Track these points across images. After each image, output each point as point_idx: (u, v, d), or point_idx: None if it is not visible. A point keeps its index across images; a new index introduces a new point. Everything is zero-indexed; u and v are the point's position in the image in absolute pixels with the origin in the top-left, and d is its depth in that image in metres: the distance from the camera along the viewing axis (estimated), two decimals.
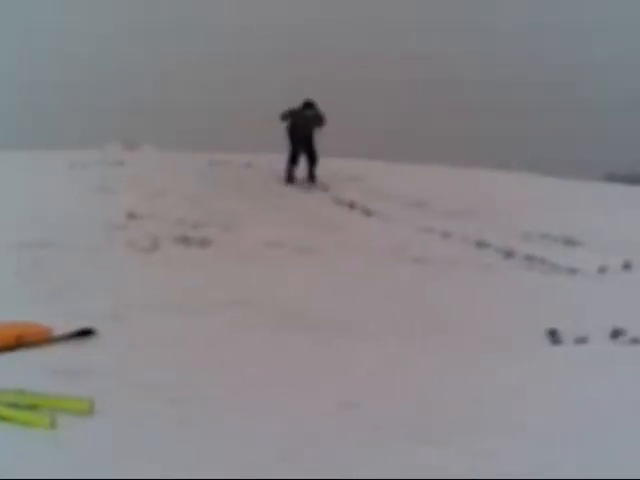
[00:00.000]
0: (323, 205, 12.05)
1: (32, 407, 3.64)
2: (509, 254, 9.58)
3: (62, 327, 5.03)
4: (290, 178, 13.61)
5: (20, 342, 4.78)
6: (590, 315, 6.51)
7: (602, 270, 8.83)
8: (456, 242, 10.22)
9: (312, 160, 13.78)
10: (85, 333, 5.10)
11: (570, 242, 10.43)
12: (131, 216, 9.08)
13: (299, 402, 4.06)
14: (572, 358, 5.29)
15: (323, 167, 13.50)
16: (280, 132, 13.53)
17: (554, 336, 5.86)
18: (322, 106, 13.69)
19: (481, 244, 10.05)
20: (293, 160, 13.77)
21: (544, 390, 4.46)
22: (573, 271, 8.85)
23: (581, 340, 5.77)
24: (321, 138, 13.62)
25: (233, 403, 4.01)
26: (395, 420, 3.85)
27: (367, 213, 11.82)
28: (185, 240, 8.36)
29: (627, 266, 8.88)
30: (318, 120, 13.88)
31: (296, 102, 13.60)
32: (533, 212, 11.82)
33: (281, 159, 13.51)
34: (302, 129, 13.81)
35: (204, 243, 8.39)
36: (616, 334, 5.83)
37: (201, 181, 11.94)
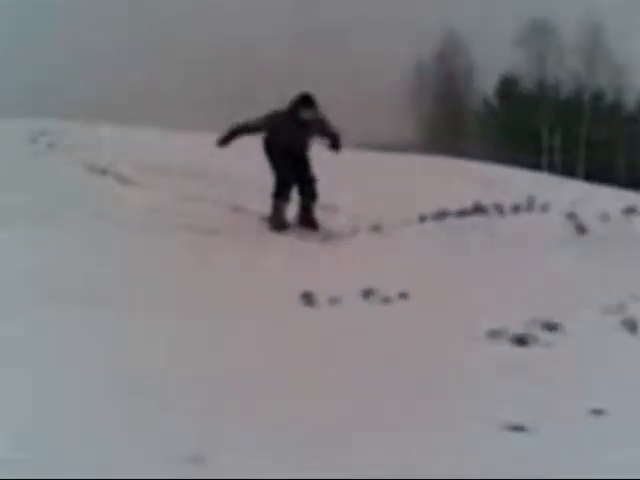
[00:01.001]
0: (75, 171, 11.52)
1: None
2: (263, 219, 9.66)
3: None
4: (278, 222, 8.90)
5: None
6: (342, 276, 6.72)
7: (353, 232, 9.12)
8: (212, 207, 10.13)
9: (310, 192, 9.07)
10: None
11: (323, 208, 10.72)
12: None
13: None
14: (326, 317, 5.42)
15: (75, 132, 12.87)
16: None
17: (308, 299, 5.96)
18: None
19: (238, 209, 10.06)
20: (279, 193, 8.91)
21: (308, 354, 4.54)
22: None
23: (334, 301, 5.93)
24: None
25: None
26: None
27: (120, 180, 11.46)
28: None
29: (376, 228, 9.22)
30: (318, 125, 8.79)
31: None
32: None
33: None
34: (292, 138, 8.78)
35: None
36: (367, 294, 6.04)
37: None
